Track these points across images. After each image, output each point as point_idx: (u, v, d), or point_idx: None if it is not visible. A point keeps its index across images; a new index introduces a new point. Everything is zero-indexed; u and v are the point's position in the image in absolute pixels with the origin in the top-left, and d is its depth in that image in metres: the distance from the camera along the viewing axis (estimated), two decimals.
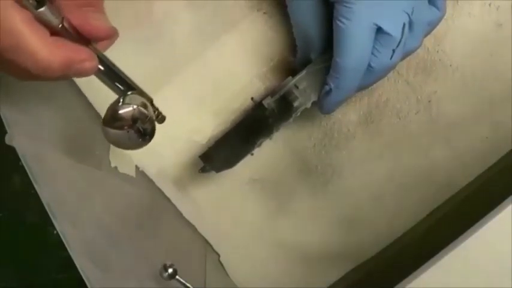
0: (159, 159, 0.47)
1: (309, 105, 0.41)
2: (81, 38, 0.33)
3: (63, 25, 0.31)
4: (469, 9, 0.43)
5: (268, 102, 0.41)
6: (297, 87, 0.41)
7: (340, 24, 0.37)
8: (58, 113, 0.45)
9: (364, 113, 0.46)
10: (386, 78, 0.44)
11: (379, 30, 0.37)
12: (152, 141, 0.47)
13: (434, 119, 0.45)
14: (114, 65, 0.34)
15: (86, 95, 0.46)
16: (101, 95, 0.46)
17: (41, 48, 0.30)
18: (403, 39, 0.38)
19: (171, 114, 0.47)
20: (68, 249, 0.37)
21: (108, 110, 0.33)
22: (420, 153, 0.45)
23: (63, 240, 0.37)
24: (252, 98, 0.44)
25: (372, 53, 0.38)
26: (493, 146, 0.44)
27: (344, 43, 0.37)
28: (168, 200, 0.48)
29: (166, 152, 0.47)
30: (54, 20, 0.31)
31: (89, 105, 0.46)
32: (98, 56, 0.33)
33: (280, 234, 0.48)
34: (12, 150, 0.39)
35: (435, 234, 0.44)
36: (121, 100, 0.33)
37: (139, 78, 0.46)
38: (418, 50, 0.44)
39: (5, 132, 0.39)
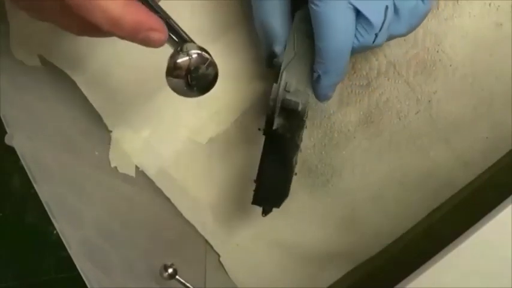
0: (159, 159, 0.47)
1: (310, 99, 0.40)
2: None
3: None
4: (469, 9, 0.43)
5: (277, 123, 0.39)
6: (288, 91, 0.39)
7: (314, 7, 0.36)
8: (58, 113, 0.45)
9: (364, 113, 0.46)
10: (386, 78, 0.45)
11: (359, 14, 0.36)
12: (152, 141, 0.47)
13: (434, 119, 0.45)
14: (170, 18, 0.34)
15: (86, 95, 0.46)
16: (101, 95, 0.46)
17: (115, 3, 0.30)
18: (386, 23, 0.37)
19: (171, 114, 0.47)
20: (68, 249, 0.37)
21: (168, 61, 0.33)
22: (420, 153, 0.45)
23: (63, 240, 0.37)
24: (259, 129, 0.42)
25: (355, 36, 0.37)
26: (493, 146, 0.44)
27: (322, 26, 0.36)
28: (168, 200, 0.48)
29: (166, 152, 0.47)
30: None
31: (89, 105, 0.46)
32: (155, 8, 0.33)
33: (280, 234, 0.48)
34: (12, 150, 0.39)
35: (435, 234, 0.44)
36: (179, 50, 0.33)
37: (139, 79, 0.46)
38: (418, 50, 0.44)
39: (5, 132, 0.39)
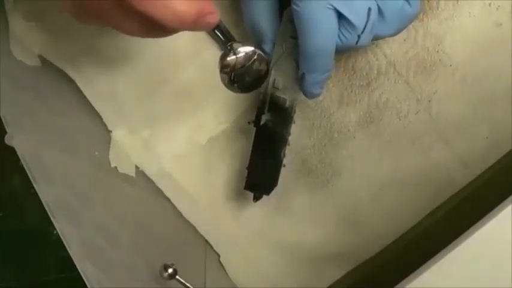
0: (159, 159, 0.47)
1: (298, 97, 0.42)
2: None
3: None
4: (469, 9, 0.43)
5: (266, 118, 0.42)
6: (276, 88, 0.41)
7: (296, 8, 0.36)
8: (58, 113, 0.45)
9: (364, 113, 0.46)
10: (386, 78, 0.45)
11: (341, 15, 0.36)
12: (152, 141, 0.47)
13: (434, 119, 0.45)
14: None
15: (86, 95, 0.46)
16: (101, 95, 0.46)
17: None
18: (369, 25, 0.37)
19: (171, 114, 0.47)
20: (68, 249, 0.37)
21: (220, 59, 0.36)
22: (420, 153, 0.45)
23: (63, 240, 0.37)
24: (249, 122, 0.44)
25: (338, 36, 0.37)
26: (493, 146, 0.44)
27: (303, 27, 0.37)
28: (168, 200, 0.48)
29: (166, 152, 0.47)
30: None
31: (89, 105, 0.46)
32: None
33: (280, 234, 0.48)
34: (12, 150, 0.39)
35: (435, 234, 0.44)
36: (229, 48, 0.35)
37: (139, 79, 0.46)
38: (418, 50, 0.44)
39: (5, 132, 0.39)
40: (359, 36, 0.37)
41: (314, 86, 0.40)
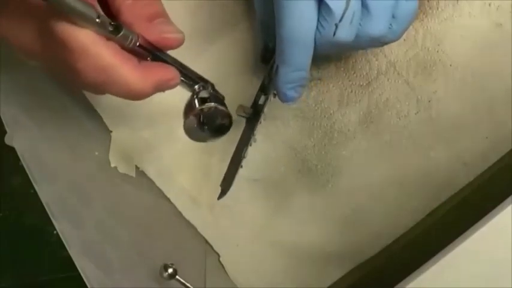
0: (159, 159, 0.47)
1: (271, 98, 0.42)
2: (157, 49, 0.34)
3: (140, 44, 0.32)
4: (469, 9, 0.43)
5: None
6: (264, 86, 0.42)
7: None
8: (58, 113, 0.45)
9: (364, 113, 0.46)
10: (386, 78, 0.45)
11: (321, 2, 0.34)
12: (152, 141, 0.47)
13: (434, 119, 0.45)
14: (182, 64, 0.36)
15: (86, 95, 0.46)
16: (100, 95, 0.46)
17: (135, 78, 0.32)
18: (347, 14, 0.35)
19: (171, 114, 0.47)
20: (68, 249, 0.37)
21: (185, 108, 0.36)
22: (420, 153, 0.45)
23: (63, 240, 0.37)
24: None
25: (317, 28, 0.35)
26: (493, 146, 0.44)
27: (280, 12, 0.35)
28: (168, 200, 0.48)
29: (166, 152, 0.47)
30: (132, 41, 0.32)
31: (89, 106, 0.46)
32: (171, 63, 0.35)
33: (280, 234, 0.48)
34: (12, 150, 0.39)
35: (435, 234, 0.44)
36: (195, 98, 0.36)
37: None
38: (418, 50, 0.44)
39: (5, 132, 0.39)
40: (336, 26, 0.35)
41: (287, 85, 0.38)
